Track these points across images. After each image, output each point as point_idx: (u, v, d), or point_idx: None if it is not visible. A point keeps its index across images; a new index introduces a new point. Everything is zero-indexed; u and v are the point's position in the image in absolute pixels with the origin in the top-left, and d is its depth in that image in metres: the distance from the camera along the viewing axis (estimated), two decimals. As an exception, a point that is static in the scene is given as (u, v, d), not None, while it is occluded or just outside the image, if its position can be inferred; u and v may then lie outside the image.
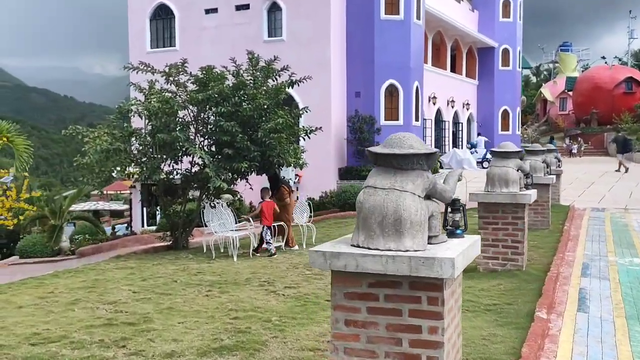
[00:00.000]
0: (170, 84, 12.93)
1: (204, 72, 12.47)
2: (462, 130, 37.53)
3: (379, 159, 3.67)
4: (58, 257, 15.00)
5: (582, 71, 63.40)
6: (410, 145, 3.62)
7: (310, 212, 13.62)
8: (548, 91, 61.74)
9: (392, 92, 23.91)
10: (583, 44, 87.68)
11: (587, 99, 50.90)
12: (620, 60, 59.67)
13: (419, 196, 3.55)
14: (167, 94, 12.24)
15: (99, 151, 12.05)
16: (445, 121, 34.47)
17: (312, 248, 3.63)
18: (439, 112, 33.85)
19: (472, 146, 35.66)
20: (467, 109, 37.93)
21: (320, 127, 14.04)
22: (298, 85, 13.97)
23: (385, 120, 23.79)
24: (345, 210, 21.18)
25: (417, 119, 24.88)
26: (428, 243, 3.63)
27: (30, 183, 11.94)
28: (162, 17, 25.79)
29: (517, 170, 8.40)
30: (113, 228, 28.44)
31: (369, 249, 3.54)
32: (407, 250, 3.46)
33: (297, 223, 13.30)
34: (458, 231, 4.03)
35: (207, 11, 25.12)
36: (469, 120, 39.31)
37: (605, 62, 55.67)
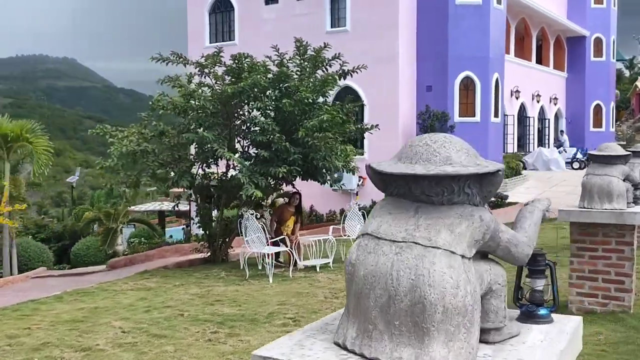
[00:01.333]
0: (206, 77, 11.35)
1: (235, 61, 10.80)
2: (548, 127, 34.35)
3: (389, 183, 2.15)
4: (88, 270, 13.75)
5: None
6: (446, 156, 2.02)
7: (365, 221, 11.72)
8: (646, 84, 56.68)
9: (467, 85, 21.55)
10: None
11: (691, 92, 46.08)
12: None
13: (462, 256, 1.95)
14: (192, 87, 10.63)
15: (124, 153, 10.62)
16: (529, 117, 31.53)
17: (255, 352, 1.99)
18: (522, 108, 30.96)
19: (560, 145, 32.48)
20: (555, 104, 34.70)
21: (377, 125, 12.11)
22: (351, 75, 12.11)
23: (460, 116, 21.47)
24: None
25: (496, 115, 22.38)
26: (482, 341, 2.08)
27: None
28: (221, 10, 24.51)
29: (624, 180, 6.39)
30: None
31: (363, 357, 1.94)
32: None
33: (349, 236, 11.45)
34: (542, 311, 2.34)
35: (267, 2, 23.59)
36: (556, 116, 36.02)
37: None
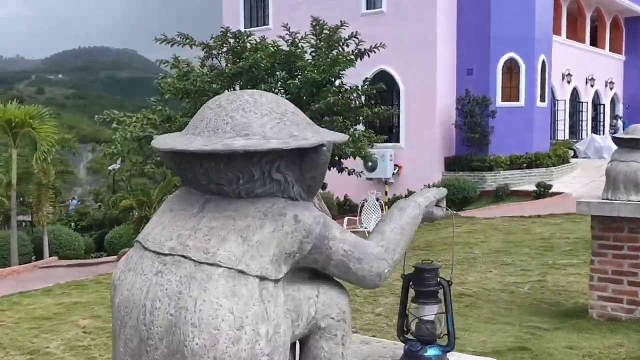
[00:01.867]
0: (213, 58, 10.74)
1: (237, 39, 10.10)
2: (603, 112, 32.44)
3: (180, 167, 1.56)
4: (98, 260, 13.35)
5: None
6: (243, 123, 1.42)
7: (383, 212, 10.92)
8: None
9: (511, 67, 20.28)
10: None
11: None
12: None
13: (259, 278, 1.34)
14: (186, 67, 9.98)
15: (128, 139, 10.15)
16: (582, 102, 29.79)
17: None
18: (575, 92, 29.26)
19: (615, 131, 30.57)
20: (611, 89, 32.73)
21: (391, 107, 11.20)
22: (368, 55, 11.28)
23: (502, 100, 20.24)
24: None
25: (542, 99, 21.03)
26: None
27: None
28: (256, -6, 23.95)
29: None
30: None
31: None
32: None
33: (365, 228, 10.69)
34: (430, 351, 1.71)
35: (301, -16, 22.86)
36: (613, 102, 34.01)
37: None
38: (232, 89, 10.08)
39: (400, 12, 20.47)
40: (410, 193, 20.21)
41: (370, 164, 20.74)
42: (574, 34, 30.52)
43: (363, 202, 10.76)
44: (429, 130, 20.24)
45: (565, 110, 27.52)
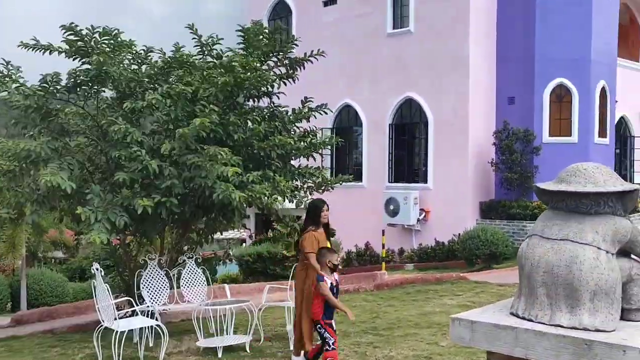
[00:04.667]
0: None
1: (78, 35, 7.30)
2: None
3: (549, 198, 3.01)
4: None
5: None
6: (592, 179, 2.85)
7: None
8: None
9: (561, 96, 16.83)
10: None
11: None
12: None
13: (606, 252, 2.75)
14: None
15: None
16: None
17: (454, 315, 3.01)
18: (623, 124, 24.97)
19: None
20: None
21: (339, 139, 8.47)
22: (298, 67, 8.58)
23: (550, 135, 16.79)
24: (472, 265, 14.83)
25: (602, 135, 17.37)
26: (626, 319, 2.84)
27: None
28: (280, 16, 21.79)
29: None
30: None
31: (531, 321, 2.83)
32: (584, 329, 2.66)
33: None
34: None
35: (326, 3, 20.49)
36: None
37: None
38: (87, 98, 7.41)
39: (430, 31, 17.61)
40: (437, 243, 17.04)
41: (391, 207, 17.85)
42: (625, 50, 26.31)
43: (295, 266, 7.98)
44: (461, 169, 17.08)
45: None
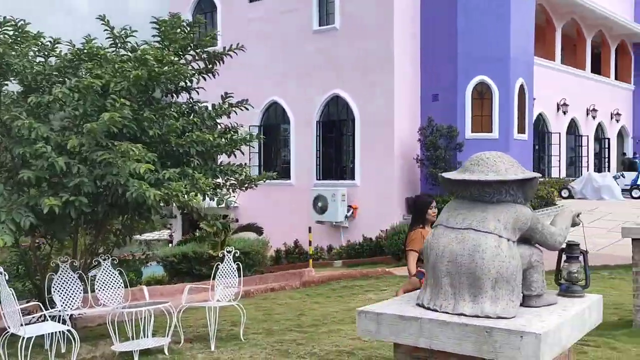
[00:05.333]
0: None
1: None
2: (608, 147, 29.14)
3: (455, 188, 3.05)
4: None
5: None
6: (495, 168, 2.93)
7: (239, 276, 7.85)
8: None
9: (482, 92, 17.30)
10: None
11: None
12: None
13: (507, 239, 2.82)
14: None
15: None
16: (583, 136, 26.59)
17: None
18: (573, 124, 26.12)
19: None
20: (617, 121, 29.50)
21: (258, 134, 8.35)
22: (219, 62, 8.41)
23: (472, 132, 17.22)
24: (398, 260, 15.01)
25: (521, 131, 17.95)
26: (527, 305, 2.94)
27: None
28: (205, 11, 21.40)
29: None
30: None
31: (436, 311, 2.86)
32: (486, 317, 2.71)
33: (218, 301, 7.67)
34: (575, 288, 3.21)
35: None
36: (620, 136, 30.74)
37: None
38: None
39: (355, 28, 17.71)
40: (365, 240, 17.14)
41: (319, 204, 17.85)
42: (573, 59, 27.51)
43: (217, 265, 7.80)
44: (387, 166, 17.27)
45: (560, 144, 24.36)
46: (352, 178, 17.99)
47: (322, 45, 18.40)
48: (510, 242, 2.81)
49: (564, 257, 3.32)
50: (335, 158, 18.76)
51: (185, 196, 6.80)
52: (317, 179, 18.71)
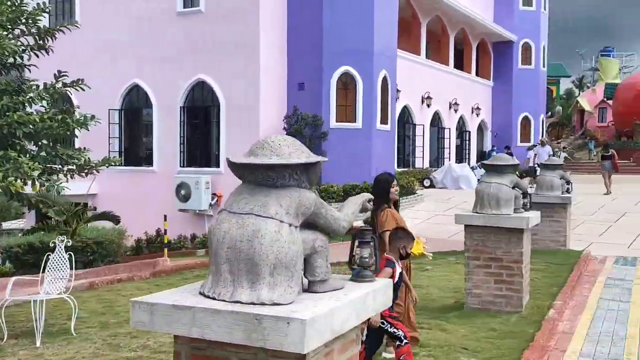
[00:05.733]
0: None
1: None
2: (468, 139, 30.86)
3: (242, 172, 2.94)
4: None
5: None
6: (278, 151, 2.84)
7: (71, 267, 7.41)
8: (586, 100, 54.20)
9: (347, 83, 17.60)
10: (628, 51, 79.66)
11: (628, 109, 43.39)
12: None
13: (289, 224, 2.78)
14: None
15: None
16: (445, 128, 27.93)
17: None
18: (437, 117, 27.35)
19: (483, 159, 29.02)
20: (478, 115, 31.28)
21: (94, 117, 7.88)
22: (49, 38, 7.85)
23: (337, 121, 17.49)
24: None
25: (384, 121, 18.47)
26: (311, 291, 2.91)
27: None
28: (62, -11, 20.12)
29: (513, 188, 7.11)
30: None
31: (214, 299, 2.76)
32: (262, 304, 2.66)
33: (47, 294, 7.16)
34: (366, 273, 3.19)
35: (113, -23, 19.30)
36: (480, 129, 32.63)
37: (652, 66, 48.02)
38: None
39: (221, 11, 17.35)
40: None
41: (182, 192, 17.39)
42: (438, 55, 28.80)
43: (48, 255, 7.28)
44: (252, 153, 17.09)
45: (424, 135, 25.42)
46: (217, 165, 17.68)
47: (187, 28, 17.87)
48: (292, 228, 2.75)
49: (356, 242, 3.39)
50: (200, 145, 18.34)
51: (3, 181, 6.25)
52: (180, 166, 18.21)
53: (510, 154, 28.10)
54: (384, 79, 18.23)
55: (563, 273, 9.94)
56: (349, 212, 3.20)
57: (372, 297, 3.15)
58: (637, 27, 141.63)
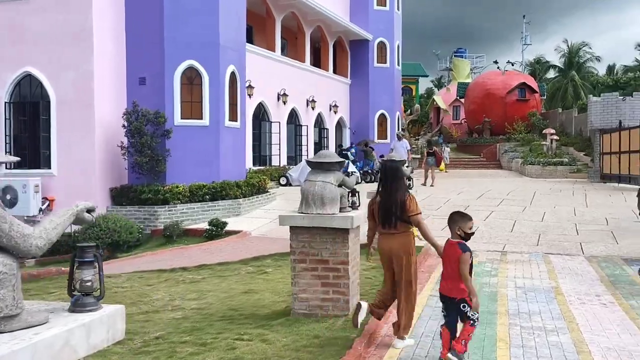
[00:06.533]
0: None
1: None
2: (327, 137, 31.00)
3: None
4: None
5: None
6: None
7: None
8: (441, 99, 56.93)
9: (192, 78, 16.72)
10: (478, 52, 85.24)
11: (479, 107, 46.06)
12: (512, 64, 55.53)
13: None
14: None
15: None
16: (303, 126, 27.78)
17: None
18: (294, 114, 27.13)
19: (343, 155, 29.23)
20: (336, 112, 31.51)
21: None
22: None
23: (182, 118, 16.55)
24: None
25: (233, 118, 17.78)
26: None
27: None
28: None
29: (339, 186, 6.77)
30: None
31: None
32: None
33: None
34: (88, 300, 3.45)
35: None
36: (339, 126, 32.93)
37: (498, 67, 51.13)
38: None
39: (48, -1, 15.79)
40: (64, 235, 15.46)
41: (8, 196, 15.65)
42: (294, 52, 28.60)
43: None
44: (87, 153, 15.76)
45: (280, 133, 25.06)
46: (48, 167, 16.12)
47: (11, 15, 16.12)
48: None
49: (76, 263, 2.81)
50: (29, 144, 16.65)
51: None
52: (7, 168, 16.39)
53: (372, 149, 28.86)
54: (232, 74, 17.53)
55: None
56: (49, 227, 2.57)
57: (85, 332, 2.50)
58: (486, 30, 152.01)
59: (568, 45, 56.86)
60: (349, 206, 7.14)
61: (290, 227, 6.87)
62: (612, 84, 47.38)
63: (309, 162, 7.11)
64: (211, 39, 16.71)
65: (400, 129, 27.97)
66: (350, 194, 7.36)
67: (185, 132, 16.35)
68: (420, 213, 5.76)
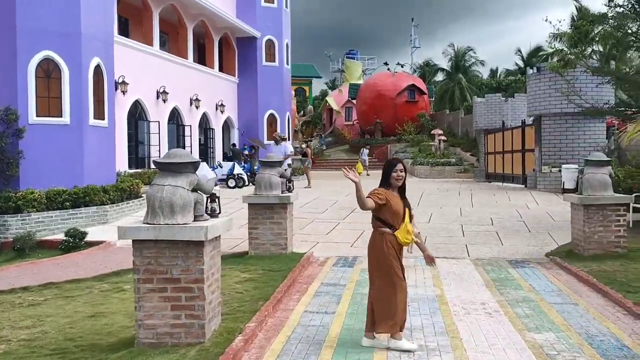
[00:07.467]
0: None
1: None
2: (213, 137, 29.56)
3: None
4: None
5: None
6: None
7: None
8: (333, 100, 56.78)
9: (49, 71, 14.87)
10: (370, 54, 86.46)
11: (370, 108, 46.22)
12: (402, 66, 56.33)
13: None
14: None
15: None
16: (186, 125, 26.21)
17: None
18: (176, 113, 25.52)
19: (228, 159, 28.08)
20: (223, 112, 30.14)
21: None
22: None
23: (38, 115, 14.67)
24: None
25: (100, 116, 16.04)
26: None
27: None
28: None
29: (194, 191, 5.81)
30: None
31: None
32: None
33: None
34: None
35: None
36: (227, 126, 31.58)
37: (388, 69, 51.60)
38: None
39: None
40: None
41: None
42: (176, 48, 27.00)
43: None
44: None
45: (160, 133, 23.40)
46: None
47: None
48: None
49: None
50: None
51: None
52: None
53: (242, 150, 27.76)
54: (98, 67, 15.81)
55: (277, 282, 8.82)
56: None
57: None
58: (377, 33, 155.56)
59: (454, 50, 58.45)
60: (207, 214, 6.04)
61: (133, 241, 5.67)
62: (496, 85, 49.15)
63: (155, 163, 5.98)
64: (71, 27, 14.96)
65: (279, 132, 27.00)
66: (209, 200, 6.22)
67: (42, 132, 14.53)
68: (369, 197, 5.76)
